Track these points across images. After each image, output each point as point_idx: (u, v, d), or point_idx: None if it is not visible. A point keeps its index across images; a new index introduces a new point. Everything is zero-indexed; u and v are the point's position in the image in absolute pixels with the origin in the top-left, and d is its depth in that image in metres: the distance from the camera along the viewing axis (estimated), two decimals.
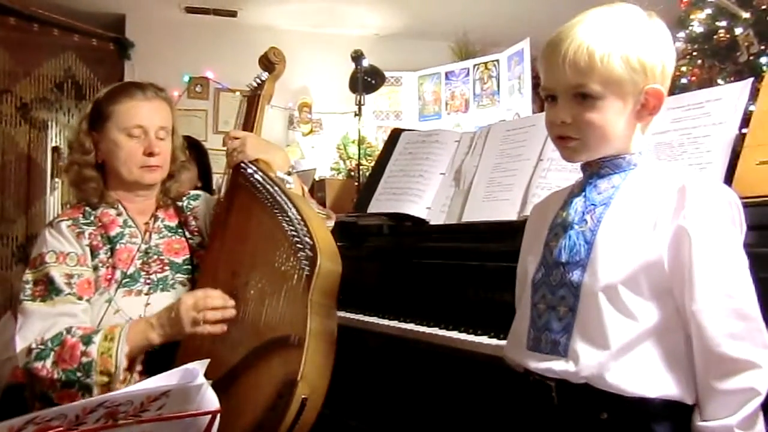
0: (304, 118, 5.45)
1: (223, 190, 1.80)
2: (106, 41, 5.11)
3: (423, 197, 2.23)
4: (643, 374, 1.08)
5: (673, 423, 1.09)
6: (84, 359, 1.47)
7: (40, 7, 4.74)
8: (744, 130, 1.53)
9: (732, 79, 3.03)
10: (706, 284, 1.06)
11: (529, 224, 1.35)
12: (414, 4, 5.04)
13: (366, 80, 4.04)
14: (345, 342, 1.52)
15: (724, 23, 3.23)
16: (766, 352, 1.04)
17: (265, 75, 1.85)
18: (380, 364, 2.18)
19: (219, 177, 2.65)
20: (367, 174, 3.10)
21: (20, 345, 1.52)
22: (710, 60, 3.30)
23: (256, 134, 1.79)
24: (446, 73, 5.38)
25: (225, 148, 1.76)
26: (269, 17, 5.23)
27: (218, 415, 1.01)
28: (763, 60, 3.04)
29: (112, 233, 1.65)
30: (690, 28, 3.38)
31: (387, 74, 4.66)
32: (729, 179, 1.47)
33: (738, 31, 3.15)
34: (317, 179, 3.88)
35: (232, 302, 1.54)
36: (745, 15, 3.11)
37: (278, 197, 1.59)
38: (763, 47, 3.05)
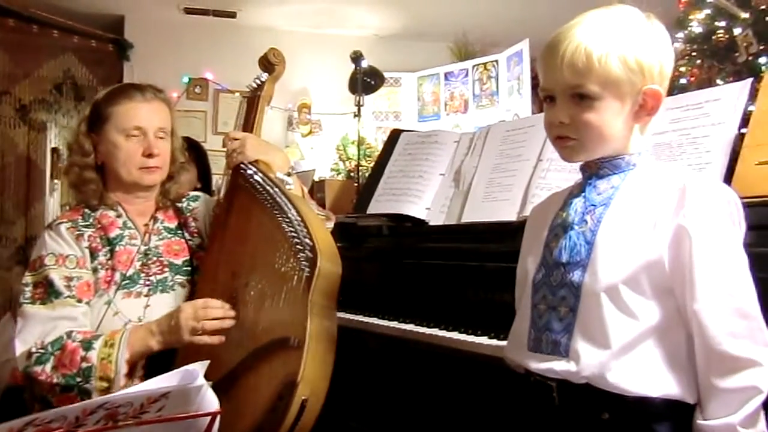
0: (303, 119, 5.44)
1: (222, 191, 1.79)
2: (105, 42, 5.11)
3: (422, 198, 2.23)
4: (644, 374, 1.08)
5: (674, 423, 1.09)
6: (84, 364, 1.47)
7: (40, 8, 4.74)
8: (743, 131, 1.54)
9: (731, 79, 3.03)
10: (707, 283, 1.06)
11: (528, 225, 1.35)
12: (413, 5, 5.03)
13: (365, 81, 4.05)
14: (345, 343, 1.51)
15: (722, 23, 3.23)
16: (767, 350, 1.04)
17: (264, 76, 1.85)
18: (380, 365, 2.18)
19: (218, 178, 2.66)
20: (367, 175, 3.10)
21: (20, 348, 1.51)
22: (709, 60, 3.29)
23: (255, 135, 1.79)
24: (445, 74, 5.37)
25: (224, 149, 1.76)
26: (269, 18, 5.23)
27: (218, 417, 1.01)
28: (762, 60, 3.04)
29: (112, 235, 1.65)
30: (689, 28, 3.38)
31: (386, 75, 4.66)
32: (728, 179, 1.48)
33: (737, 31, 3.15)
34: (317, 180, 3.88)
35: (232, 312, 1.54)
36: (744, 15, 3.11)
37: (278, 198, 1.58)
38: (762, 47, 3.05)
